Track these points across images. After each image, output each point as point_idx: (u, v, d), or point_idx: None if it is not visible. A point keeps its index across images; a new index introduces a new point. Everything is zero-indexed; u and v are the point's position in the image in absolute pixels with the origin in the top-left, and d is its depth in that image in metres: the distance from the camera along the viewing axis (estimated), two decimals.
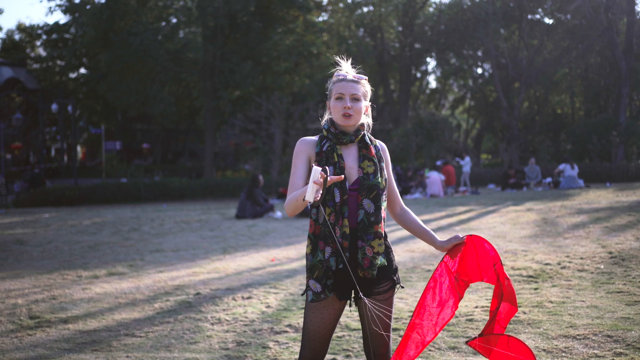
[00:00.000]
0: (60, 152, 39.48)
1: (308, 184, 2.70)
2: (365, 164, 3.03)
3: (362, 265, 2.95)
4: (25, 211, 19.66)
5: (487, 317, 5.44)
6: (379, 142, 3.16)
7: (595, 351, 4.45)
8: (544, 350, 4.55)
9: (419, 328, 3.03)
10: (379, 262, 2.98)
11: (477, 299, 6.15)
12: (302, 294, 3.14)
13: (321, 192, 2.70)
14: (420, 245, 9.60)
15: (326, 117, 3.17)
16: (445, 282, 3.10)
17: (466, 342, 3.22)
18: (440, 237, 3.22)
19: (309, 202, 2.71)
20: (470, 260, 3.12)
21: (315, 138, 3.11)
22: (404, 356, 2.99)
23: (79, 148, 46.98)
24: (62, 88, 37.24)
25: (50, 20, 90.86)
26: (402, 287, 3.15)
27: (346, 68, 3.14)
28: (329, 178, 2.69)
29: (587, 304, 5.72)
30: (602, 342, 4.62)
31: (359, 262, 2.96)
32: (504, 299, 3.09)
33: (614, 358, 4.28)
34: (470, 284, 3.18)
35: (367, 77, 3.15)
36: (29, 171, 31.84)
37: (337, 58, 3.19)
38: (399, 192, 19.37)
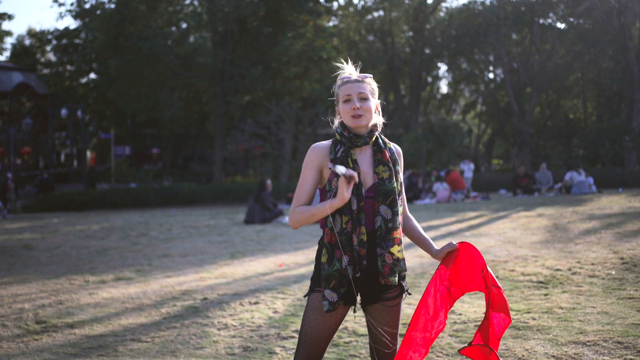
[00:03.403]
0: (70, 157, 39.62)
1: (339, 186, 2.77)
2: (380, 169, 2.96)
3: (383, 272, 2.89)
4: (34, 216, 19.74)
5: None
6: (393, 145, 3.10)
7: (605, 358, 4.38)
8: (554, 356, 4.48)
9: (415, 343, 2.96)
10: (399, 269, 2.94)
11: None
12: (305, 296, 3.08)
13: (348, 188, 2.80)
14: None
15: (337, 121, 3.11)
16: (439, 292, 3.04)
17: (458, 351, 3.15)
18: (440, 245, 3.16)
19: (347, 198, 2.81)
20: (464, 268, 3.05)
21: (328, 143, 3.03)
22: None
23: (88, 153, 47.13)
24: (72, 93, 37.35)
25: (61, 25, 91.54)
26: (410, 294, 3.09)
27: (349, 70, 3.08)
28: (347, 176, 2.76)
29: (597, 310, 5.64)
30: (613, 349, 4.54)
31: (379, 269, 2.90)
32: (494, 308, 3.01)
33: None
34: (466, 293, 3.12)
35: (371, 75, 3.08)
36: (38, 176, 32.01)
37: (341, 61, 3.13)
38: (410, 197, 19.11)
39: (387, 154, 3.01)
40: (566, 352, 4.56)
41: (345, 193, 2.78)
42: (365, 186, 2.95)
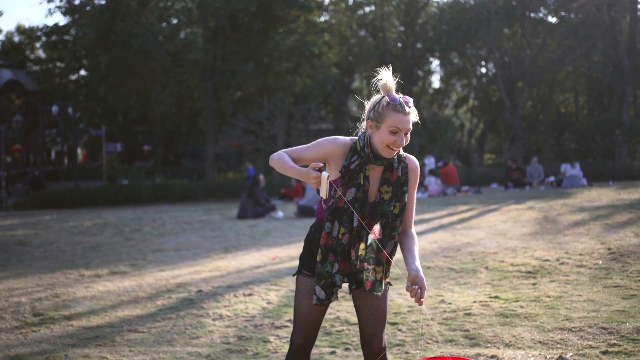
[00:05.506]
0: (61, 155, 39.50)
1: (321, 179, 2.81)
2: (384, 189, 3.00)
3: (365, 286, 2.99)
4: (25, 213, 19.74)
5: (485, 312, 5.50)
6: (409, 160, 3.07)
7: (590, 342, 4.51)
8: (540, 342, 4.61)
9: None
10: (380, 290, 3.02)
11: (475, 294, 6.21)
12: (293, 275, 3.20)
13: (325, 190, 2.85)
14: (420, 243, 9.65)
15: (362, 131, 3.06)
16: None
17: None
18: (413, 264, 2.99)
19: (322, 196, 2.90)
20: None
21: (347, 146, 3.02)
22: None
23: (79, 150, 47.03)
24: (62, 90, 37.26)
25: (50, 22, 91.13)
26: (390, 284, 3.16)
27: (385, 76, 3.03)
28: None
29: (584, 298, 5.77)
30: (597, 334, 4.68)
31: (362, 281, 3.00)
32: None
33: (608, 349, 4.34)
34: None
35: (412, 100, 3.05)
36: (29, 174, 31.94)
37: (380, 69, 3.06)
38: None
39: (397, 174, 3.01)
40: (552, 337, 4.69)
41: (312, 181, 2.83)
42: (369, 203, 3.01)
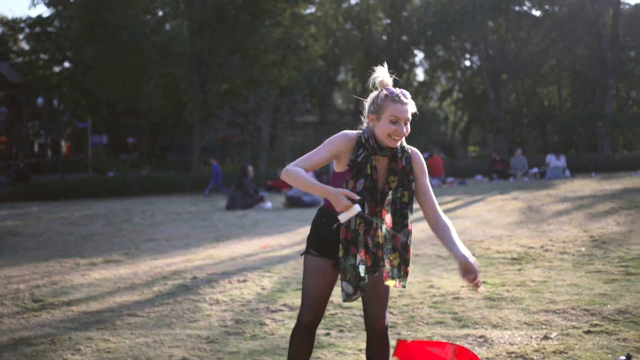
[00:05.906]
0: (44, 147, 39.27)
1: (350, 208, 2.90)
2: (390, 179, 3.13)
3: (382, 276, 3.16)
4: (11, 205, 19.73)
5: (472, 296, 5.70)
6: (412, 152, 3.20)
7: (573, 323, 4.73)
8: (526, 323, 4.83)
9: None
10: (399, 277, 3.16)
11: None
12: (301, 254, 3.35)
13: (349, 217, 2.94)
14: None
15: (365, 125, 3.19)
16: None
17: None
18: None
19: (341, 220, 2.96)
20: None
21: (354, 140, 3.12)
22: None
23: (62, 142, 46.78)
24: (46, 82, 37.06)
25: (33, 13, 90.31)
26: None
27: (382, 73, 3.19)
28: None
29: (567, 282, 6.00)
30: (580, 316, 4.90)
31: (381, 271, 3.16)
32: None
33: (590, 329, 4.56)
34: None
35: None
36: (13, 166, 31.84)
37: (376, 68, 3.20)
38: None
39: (401, 164, 3.14)
40: (537, 319, 4.91)
41: (341, 206, 2.91)
42: (379, 192, 3.15)
